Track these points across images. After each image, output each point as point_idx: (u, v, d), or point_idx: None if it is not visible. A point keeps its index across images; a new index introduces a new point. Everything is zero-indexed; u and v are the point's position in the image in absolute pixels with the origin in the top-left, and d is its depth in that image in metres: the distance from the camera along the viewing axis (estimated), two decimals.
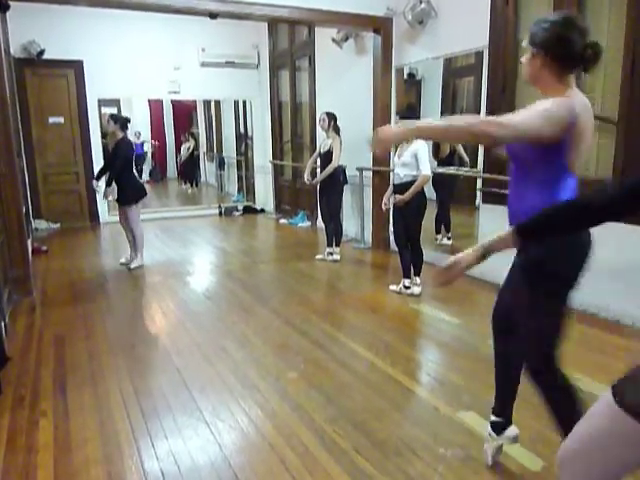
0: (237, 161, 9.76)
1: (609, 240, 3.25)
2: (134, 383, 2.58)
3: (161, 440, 2.09)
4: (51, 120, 7.00)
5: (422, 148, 3.78)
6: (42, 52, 6.51)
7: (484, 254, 1.27)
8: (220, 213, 8.22)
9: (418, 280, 4.00)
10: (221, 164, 10.83)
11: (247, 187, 9.23)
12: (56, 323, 3.47)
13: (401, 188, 3.87)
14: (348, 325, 3.49)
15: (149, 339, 3.23)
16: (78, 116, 7.12)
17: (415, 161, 3.78)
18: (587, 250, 1.52)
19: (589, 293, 3.39)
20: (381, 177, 5.43)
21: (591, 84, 3.37)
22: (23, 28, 6.30)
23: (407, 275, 4.02)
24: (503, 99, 3.89)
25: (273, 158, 8.06)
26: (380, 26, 4.98)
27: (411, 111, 3.95)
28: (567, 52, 1.52)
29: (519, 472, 1.85)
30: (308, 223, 6.98)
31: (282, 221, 7.39)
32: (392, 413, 2.29)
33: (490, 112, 4.03)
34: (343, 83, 5.93)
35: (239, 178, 9.71)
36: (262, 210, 8.48)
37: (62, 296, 4.08)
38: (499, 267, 4.21)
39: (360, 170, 5.41)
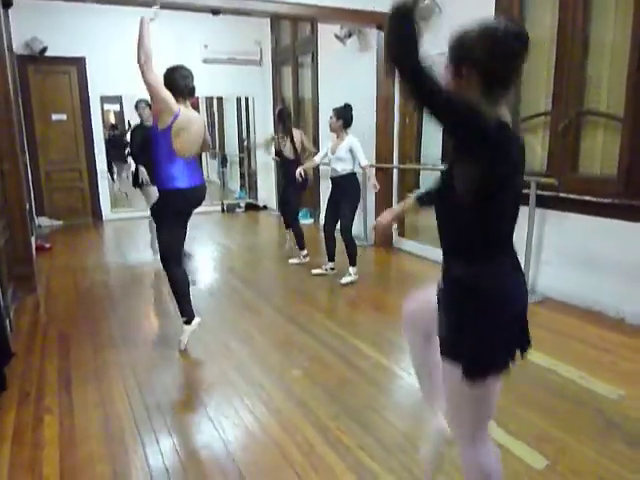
0: (239, 158, 9.75)
1: (613, 238, 3.25)
2: (138, 380, 2.59)
3: (165, 436, 2.10)
4: (54, 117, 7.00)
5: (355, 142, 4.14)
6: (45, 49, 6.51)
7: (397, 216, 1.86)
8: (223, 210, 8.22)
9: (351, 270, 4.26)
10: (223, 161, 10.82)
11: (249, 184, 9.22)
12: (60, 320, 3.48)
13: (339, 180, 4.23)
14: (352, 323, 3.49)
15: (152, 336, 3.24)
16: (81, 113, 7.12)
17: (350, 155, 4.14)
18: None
19: (594, 291, 3.40)
20: (384, 174, 5.41)
21: (597, 80, 3.35)
22: (26, 25, 6.30)
23: (331, 259, 4.45)
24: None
25: (276, 155, 8.04)
26: (383, 22, 4.92)
27: (346, 110, 4.17)
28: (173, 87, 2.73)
29: (523, 470, 1.85)
30: (311, 220, 6.98)
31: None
32: (396, 410, 2.30)
33: None
34: (346, 79, 5.91)
35: (241, 175, 9.70)
36: (264, 207, 8.48)
37: (66, 293, 4.09)
38: None
39: (362, 167, 5.38)
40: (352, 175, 4.20)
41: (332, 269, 4.46)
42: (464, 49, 1.18)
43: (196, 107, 11.97)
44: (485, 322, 1.22)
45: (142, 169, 4.81)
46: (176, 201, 2.82)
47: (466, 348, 1.23)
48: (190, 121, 2.77)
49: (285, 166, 5.05)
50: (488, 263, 1.23)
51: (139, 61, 2.64)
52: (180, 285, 2.90)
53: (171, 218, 2.86)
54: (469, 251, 1.23)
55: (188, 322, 2.94)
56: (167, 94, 2.67)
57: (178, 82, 2.74)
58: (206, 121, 12.97)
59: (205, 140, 3.00)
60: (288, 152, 4.90)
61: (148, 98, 2.93)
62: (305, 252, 4.89)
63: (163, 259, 2.91)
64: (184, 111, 2.74)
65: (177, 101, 2.71)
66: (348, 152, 4.14)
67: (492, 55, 1.13)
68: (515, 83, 1.20)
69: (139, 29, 2.69)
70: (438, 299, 1.33)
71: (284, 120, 4.84)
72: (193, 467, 1.91)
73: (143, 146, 4.85)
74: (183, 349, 2.92)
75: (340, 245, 4.35)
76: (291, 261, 4.82)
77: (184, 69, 2.81)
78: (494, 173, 1.13)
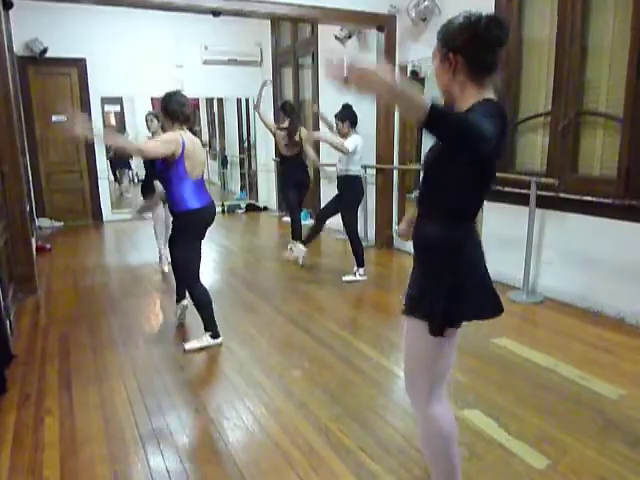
0: (240, 159, 9.76)
1: (613, 238, 3.25)
2: (138, 381, 2.59)
3: (166, 438, 2.10)
4: (54, 118, 6.99)
5: (353, 139, 4.10)
6: (45, 50, 6.51)
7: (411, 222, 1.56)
8: (223, 211, 8.22)
9: (355, 270, 4.30)
10: (224, 162, 10.83)
11: (250, 185, 9.23)
12: (61, 321, 3.48)
13: (339, 180, 4.28)
14: (352, 323, 3.49)
15: (153, 337, 3.24)
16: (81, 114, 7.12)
17: (345, 156, 4.10)
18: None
19: (593, 291, 3.40)
20: (385, 175, 5.42)
21: (596, 81, 3.35)
22: (26, 26, 6.30)
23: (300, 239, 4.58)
24: (507, 96, 3.88)
25: (276, 156, 8.05)
26: (383, 23, 4.96)
27: (346, 110, 4.20)
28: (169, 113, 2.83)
29: (524, 470, 1.85)
30: (311, 221, 6.97)
31: (285, 219, 7.38)
32: (397, 411, 2.30)
33: None
34: None
35: (242, 176, 9.71)
36: (265, 208, 8.48)
37: (66, 294, 4.09)
38: (505, 268, 4.19)
39: (364, 168, 5.39)
40: (350, 177, 4.22)
41: (292, 248, 4.52)
42: (452, 38, 1.27)
43: (196, 108, 12.03)
44: (458, 278, 1.33)
45: (158, 184, 4.64)
46: (192, 222, 2.88)
47: (439, 304, 1.32)
48: (194, 143, 2.85)
49: (282, 164, 5.06)
50: (465, 226, 1.37)
51: (138, 156, 2.81)
52: (200, 301, 2.95)
53: (188, 240, 2.91)
54: (451, 215, 1.35)
55: (214, 336, 2.99)
56: (166, 143, 2.71)
57: (174, 108, 2.81)
58: (207, 121, 12.86)
59: None
60: (283, 148, 4.87)
61: (155, 109, 2.96)
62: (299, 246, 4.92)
63: (182, 279, 3.09)
64: (185, 136, 2.79)
65: (173, 125, 2.81)
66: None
67: (476, 43, 1.24)
68: (498, 68, 1.29)
69: (112, 142, 2.99)
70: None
71: (288, 113, 4.82)
72: (194, 468, 1.91)
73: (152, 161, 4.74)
74: (185, 351, 2.93)
75: (346, 246, 4.37)
76: (345, 278, 4.32)
77: (181, 96, 2.89)
78: (489, 157, 1.26)
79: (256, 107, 5.08)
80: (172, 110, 2.81)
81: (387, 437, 2.07)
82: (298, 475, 1.85)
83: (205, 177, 10.35)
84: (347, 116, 4.17)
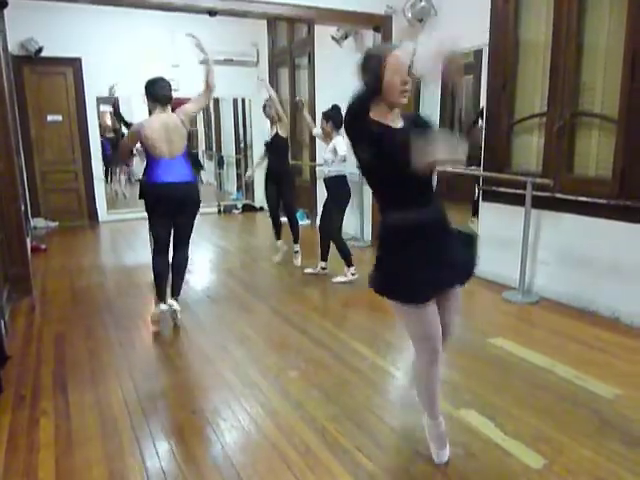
0: (236, 159, 9.74)
1: (608, 239, 3.27)
2: (135, 382, 2.58)
3: (162, 439, 2.09)
4: (49, 118, 6.97)
5: (338, 140, 4.13)
6: (40, 50, 6.48)
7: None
8: (219, 211, 8.20)
9: (346, 270, 4.29)
10: (220, 162, 10.80)
11: (246, 185, 9.20)
12: (56, 322, 3.46)
13: (326, 182, 4.33)
14: (348, 323, 3.49)
15: (149, 338, 3.23)
16: (77, 114, 7.09)
17: (334, 156, 4.14)
18: None
19: (589, 291, 3.41)
20: None
21: (591, 82, 3.37)
22: (21, 25, 6.27)
23: (323, 259, 4.47)
24: (503, 96, 3.89)
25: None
26: (380, 24, 4.97)
27: (334, 111, 4.20)
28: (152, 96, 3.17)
29: (520, 470, 1.85)
30: (307, 221, 6.98)
31: (281, 219, 7.37)
32: (394, 411, 2.30)
33: (490, 110, 4.03)
34: (343, 81, 5.88)
35: (238, 176, 9.69)
36: (261, 208, 8.46)
37: (62, 295, 4.07)
38: (501, 268, 4.19)
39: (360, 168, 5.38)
40: (337, 177, 4.22)
41: (323, 269, 4.47)
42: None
43: None
44: None
45: None
46: (149, 193, 3.16)
47: None
48: (160, 125, 3.12)
49: (285, 164, 5.09)
50: None
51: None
52: (155, 271, 3.26)
53: (151, 209, 3.19)
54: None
55: (163, 302, 3.31)
56: (127, 137, 3.38)
57: (156, 92, 3.15)
58: (203, 122, 12.69)
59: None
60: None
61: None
62: (297, 247, 4.94)
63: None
64: (150, 121, 3.13)
65: (155, 107, 3.16)
66: (333, 153, 4.15)
67: None
68: None
69: None
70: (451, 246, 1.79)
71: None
72: (190, 470, 1.90)
73: None
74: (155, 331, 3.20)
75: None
76: (335, 280, 4.33)
77: (162, 80, 3.20)
78: None
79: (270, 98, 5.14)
80: (155, 94, 3.15)
81: (384, 437, 2.07)
82: (295, 475, 1.84)
83: (205, 180, 10.33)
84: (332, 117, 4.18)
